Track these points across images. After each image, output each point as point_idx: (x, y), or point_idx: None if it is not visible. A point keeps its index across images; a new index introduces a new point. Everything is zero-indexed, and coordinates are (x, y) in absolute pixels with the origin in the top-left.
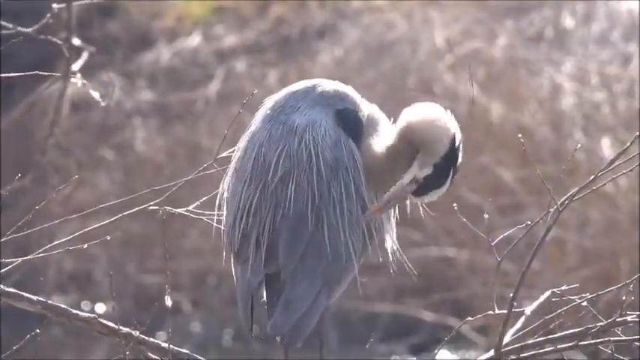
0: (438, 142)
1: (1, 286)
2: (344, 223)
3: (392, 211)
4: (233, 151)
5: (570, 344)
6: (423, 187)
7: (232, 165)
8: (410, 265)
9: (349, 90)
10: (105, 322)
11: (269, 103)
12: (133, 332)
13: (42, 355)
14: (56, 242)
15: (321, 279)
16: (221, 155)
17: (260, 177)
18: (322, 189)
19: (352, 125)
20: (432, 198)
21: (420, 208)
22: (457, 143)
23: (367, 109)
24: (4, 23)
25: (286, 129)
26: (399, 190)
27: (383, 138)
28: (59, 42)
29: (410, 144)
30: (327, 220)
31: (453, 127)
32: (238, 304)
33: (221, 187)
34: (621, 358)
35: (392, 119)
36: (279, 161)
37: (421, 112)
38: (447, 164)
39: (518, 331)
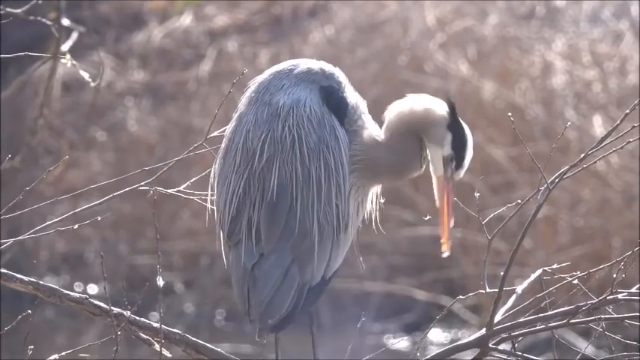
0: (437, 124)
1: None
2: (316, 199)
3: (360, 208)
4: (224, 132)
5: (561, 322)
6: (458, 159)
7: (222, 148)
8: (362, 261)
9: (336, 70)
10: (96, 302)
11: (254, 85)
12: (125, 313)
13: (34, 335)
14: (48, 223)
15: (289, 254)
16: (212, 135)
17: (247, 162)
18: (304, 171)
19: (336, 103)
20: (468, 162)
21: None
22: (450, 111)
23: (353, 94)
24: None
25: (271, 111)
26: (447, 173)
27: (377, 130)
28: (48, 23)
29: (410, 134)
30: (301, 198)
31: (439, 103)
32: (234, 287)
33: (213, 168)
34: (612, 335)
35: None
36: (264, 147)
37: (408, 104)
38: (456, 131)
39: (509, 309)
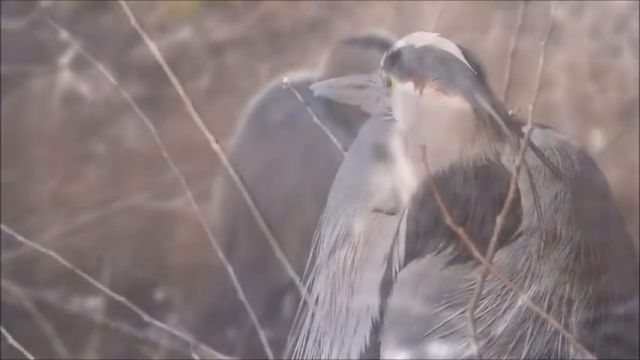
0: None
1: None
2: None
3: None
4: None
5: None
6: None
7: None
8: None
9: None
10: (95, 316)
11: (251, 103)
12: (124, 327)
13: (33, 350)
14: (46, 236)
15: None
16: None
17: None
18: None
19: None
20: None
21: None
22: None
23: None
24: None
25: (262, 126)
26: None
27: None
28: (47, 36)
29: None
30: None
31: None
32: None
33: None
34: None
35: None
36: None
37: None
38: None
39: None
